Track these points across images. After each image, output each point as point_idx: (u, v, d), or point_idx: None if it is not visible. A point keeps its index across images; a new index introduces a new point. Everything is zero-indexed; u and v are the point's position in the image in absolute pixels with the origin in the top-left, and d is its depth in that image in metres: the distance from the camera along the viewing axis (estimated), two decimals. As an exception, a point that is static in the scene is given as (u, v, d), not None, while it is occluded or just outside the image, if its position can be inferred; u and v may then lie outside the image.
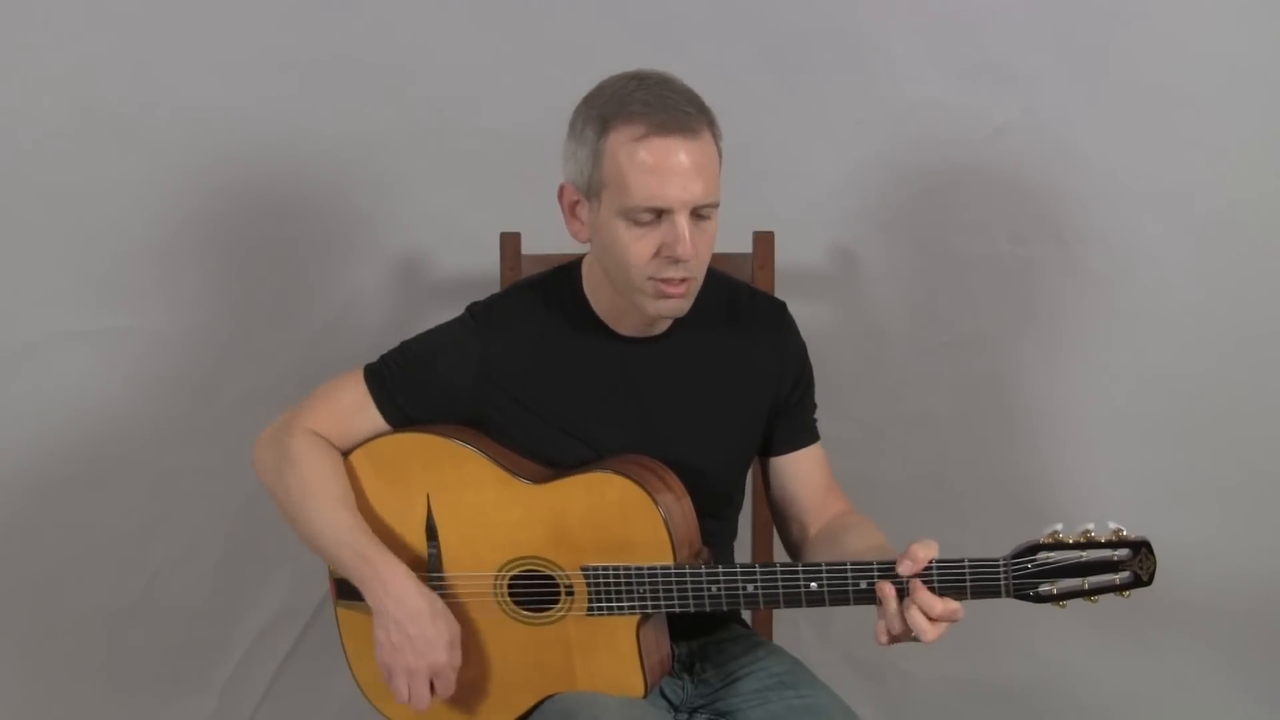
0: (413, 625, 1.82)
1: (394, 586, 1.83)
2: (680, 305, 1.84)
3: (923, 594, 1.71)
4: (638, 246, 1.79)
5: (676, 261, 1.78)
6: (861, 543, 1.86)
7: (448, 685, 1.86)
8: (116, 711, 2.63)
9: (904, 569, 1.73)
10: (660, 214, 1.77)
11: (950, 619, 1.72)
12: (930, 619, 1.71)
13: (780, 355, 1.98)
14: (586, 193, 1.83)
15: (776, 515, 2.03)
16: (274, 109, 2.49)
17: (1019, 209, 2.55)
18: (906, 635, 1.74)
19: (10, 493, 2.56)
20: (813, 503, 1.98)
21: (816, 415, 2.03)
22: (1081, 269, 2.55)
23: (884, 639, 1.75)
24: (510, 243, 2.30)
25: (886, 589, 1.73)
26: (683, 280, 1.81)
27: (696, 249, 1.79)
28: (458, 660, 1.86)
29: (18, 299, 2.52)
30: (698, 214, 1.79)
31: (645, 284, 1.81)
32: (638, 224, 1.78)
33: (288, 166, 2.53)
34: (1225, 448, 2.58)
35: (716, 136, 1.81)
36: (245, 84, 2.49)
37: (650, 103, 1.76)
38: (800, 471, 1.99)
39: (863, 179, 2.54)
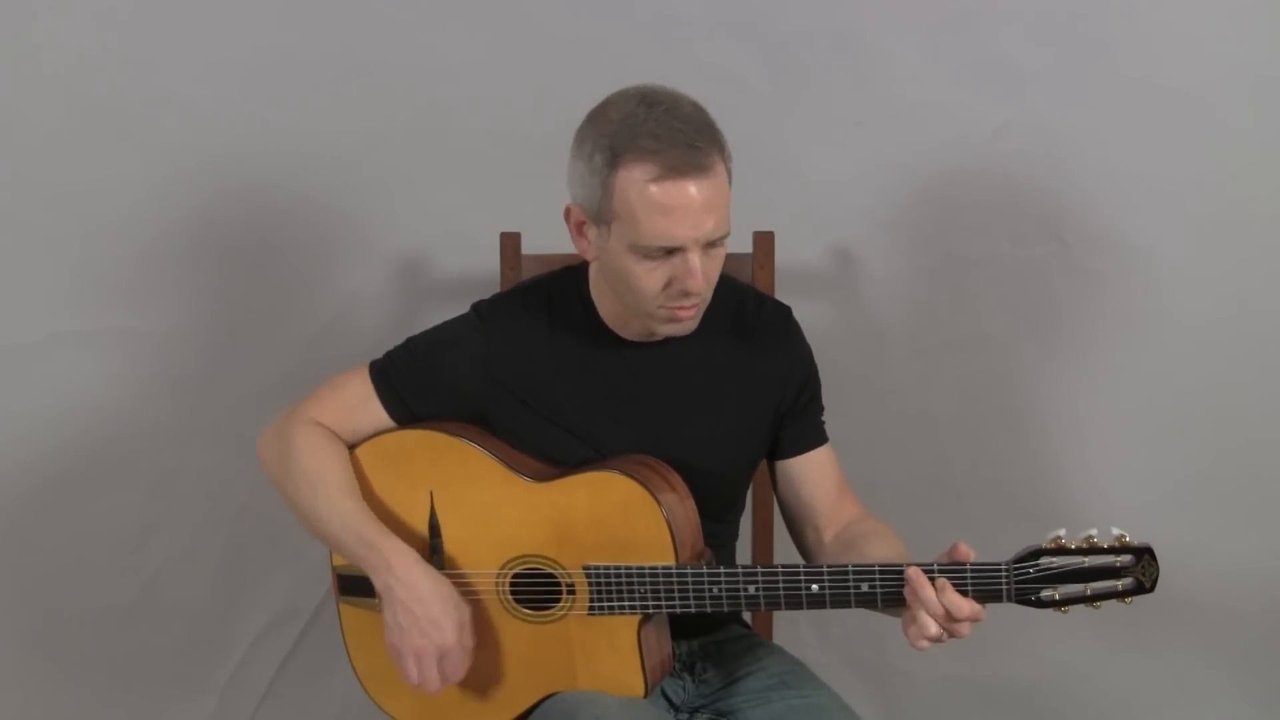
0: (419, 607, 1.81)
1: (401, 570, 1.82)
2: (689, 325, 1.86)
3: (950, 594, 1.71)
4: (649, 278, 1.79)
5: (687, 294, 1.79)
6: (882, 552, 1.84)
7: (456, 669, 1.83)
8: (116, 711, 2.63)
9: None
10: (672, 251, 1.77)
11: (975, 619, 1.71)
12: (956, 620, 1.70)
13: (785, 360, 1.98)
14: (595, 219, 1.82)
15: (790, 520, 2.02)
16: (274, 109, 2.49)
17: (1019, 209, 2.55)
18: (948, 622, 1.71)
19: (10, 492, 2.55)
20: (825, 505, 1.98)
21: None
22: (1081, 269, 2.55)
23: (922, 642, 1.71)
24: (510, 243, 2.30)
25: (914, 572, 1.71)
26: (692, 305, 1.82)
27: (706, 275, 1.80)
28: (468, 642, 1.84)
29: (18, 299, 2.52)
30: (709, 244, 1.79)
31: (657, 310, 1.82)
32: (649, 258, 1.78)
33: (288, 166, 2.52)
34: (1225, 448, 2.57)
35: (726, 159, 1.79)
36: (245, 84, 2.48)
37: (661, 138, 1.74)
38: (810, 474, 1.99)
39: (863, 179, 2.54)
